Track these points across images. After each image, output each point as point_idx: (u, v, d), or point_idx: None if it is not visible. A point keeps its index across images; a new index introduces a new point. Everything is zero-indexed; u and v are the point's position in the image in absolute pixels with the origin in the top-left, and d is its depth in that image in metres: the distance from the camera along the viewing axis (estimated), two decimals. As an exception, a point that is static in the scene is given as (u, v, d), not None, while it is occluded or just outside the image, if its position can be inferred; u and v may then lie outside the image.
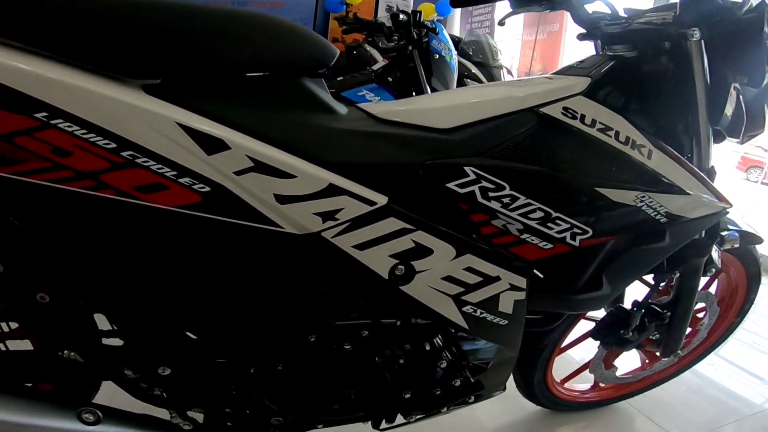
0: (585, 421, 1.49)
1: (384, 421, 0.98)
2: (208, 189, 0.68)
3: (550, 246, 0.88)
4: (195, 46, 0.67)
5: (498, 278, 0.88)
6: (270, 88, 0.73)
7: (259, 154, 0.69)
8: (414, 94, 2.35)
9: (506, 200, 0.83)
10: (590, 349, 1.41)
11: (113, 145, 0.64)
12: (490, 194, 0.82)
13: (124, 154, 0.64)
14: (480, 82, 3.32)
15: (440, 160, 0.80)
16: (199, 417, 0.89)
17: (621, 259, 0.98)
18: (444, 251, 0.82)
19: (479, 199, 0.82)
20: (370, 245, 0.78)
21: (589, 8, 1.03)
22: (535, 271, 0.96)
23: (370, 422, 0.97)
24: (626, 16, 1.03)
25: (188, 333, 0.80)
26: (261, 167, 0.69)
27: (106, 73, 0.64)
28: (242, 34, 0.70)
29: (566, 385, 1.47)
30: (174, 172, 0.66)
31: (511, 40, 4.95)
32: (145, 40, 0.64)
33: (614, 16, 1.03)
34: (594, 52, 1.05)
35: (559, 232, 0.88)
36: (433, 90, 2.32)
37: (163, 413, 0.87)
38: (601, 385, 1.50)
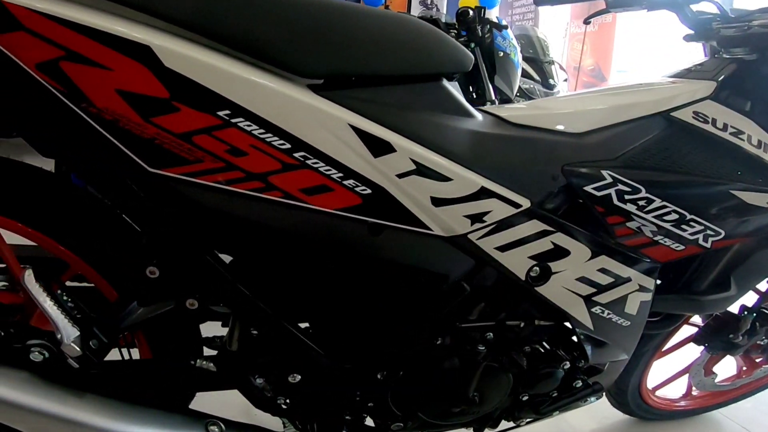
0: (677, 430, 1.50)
1: (488, 427, 1.02)
2: (369, 191, 0.72)
3: (681, 247, 0.91)
4: (354, 47, 0.70)
5: (629, 279, 0.91)
6: (419, 91, 0.76)
7: (421, 157, 0.73)
8: (475, 94, 2.37)
9: (642, 203, 0.86)
10: (681, 356, 1.43)
11: (288, 145, 0.68)
12: (626, 197, 0.85)
13: (297, 155, 0.68)
14: (532, 78, 3.34)
15: (578, 164, 0.83)
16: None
17: (751, 261, 1.00)
18: (581, 252, 0.86)
19: (615, 201, 0.85)
20: (511, 247, 0.82)
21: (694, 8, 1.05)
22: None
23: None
24: (734, 17, 1.04)
25: (322, 338, 0.84)
26: (422, 170, 0.73)
27: (276, 71, 0.67)
28: (396, 36, 0.73)
29: (657, 392, 1.48)
30: (340, 174, 0.70)
31: (556, 33, 4.96)
32: (319, 38, 0.67)
33: (725, 17, 1.05)
34: (696, 54, 1.08)
35: (692, 234, 0.90)
36: (496, 89, 2.34)
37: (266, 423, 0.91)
38: (695, 393, 1.51)
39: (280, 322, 0.80)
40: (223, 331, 0.87)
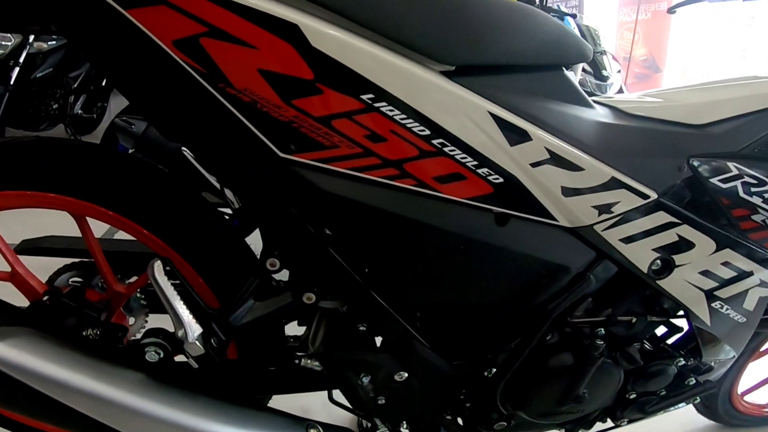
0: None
1: (582, 428, 1.02)
2: (501, 180, 0.72)
3: (807, 243, 0.90)
4: (487, 36, 0.70)
5: (751, 273, 0.90)
6: (546, 81, 0.76)
7: (555, 146, 0.73)
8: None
9: None
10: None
11: (427, 132, 0.68)
12: (752, 189, 0.85)
13: (435, 142, 0.69)
14: (583, 69, 3.28)
15: (702, 155, 0.83)
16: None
17: None
18: (705, 245, 0.85)
19: (741, 194, 0.85)
20: (635, 239, 0.82)
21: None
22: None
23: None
24: None
25: (433, 334, 0.84)
26: (555, 159, 0.73)
27: (412, 56, 0.67)
28: (524, 26, 0.73)
29: (746, 398, 1.47)
30: (475, 162, 0.71)
31: (604, 21, 4.89)
32: (457, 24, 0.67)
33: None
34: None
35: None
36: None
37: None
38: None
39: (395, 317, 0.80)
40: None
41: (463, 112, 0.68)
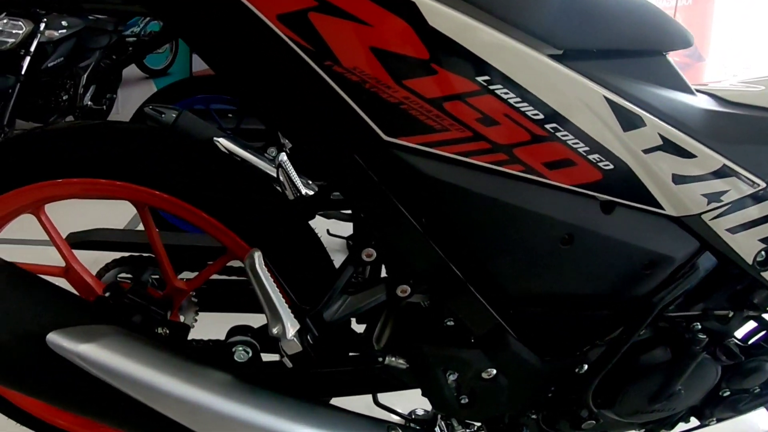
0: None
1: (664, 428, 1.00)
2: (611, 167, 0.71)
3: None
4: (598, 20, 0.70)
5: None
6: (651, 66, 0.75)
7: (668, 132, 0.72)
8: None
9: None
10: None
11: (541, 116, 0.67)
12: None
13: (548, 126, 0.67)
14: None
15: None
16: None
17: None
18: None
19: None
20: (742, 228, 0.80)
21: None
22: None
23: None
24: None
25: (525, 328, 0.83)
26: (668, 146, 0.72)
27: (523, 39, 0.65)
28: (632, 11, 0.73)
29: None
30: (587, 148, 0.69)
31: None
32: (570, 7, 0.67)
33: None
34: None
35: None
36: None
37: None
38: None
39: (490, 311, 0.79)
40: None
41: (579, 96, 0.67)
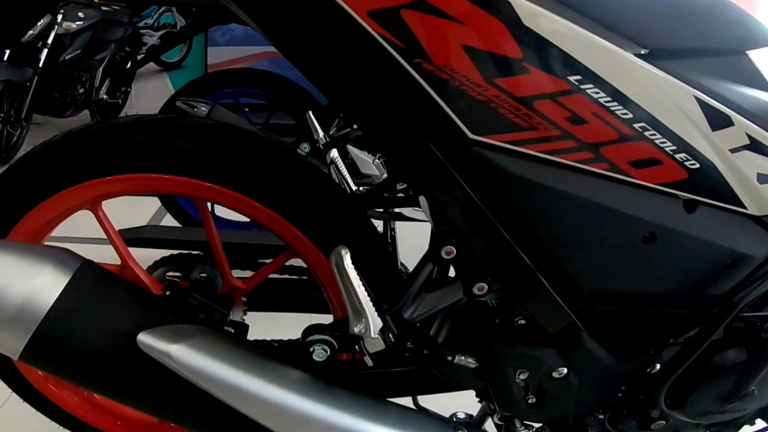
0: None
1: None
2: (697, 166, 0.71)
3: None
4: (684, 19, 0.72)
5: None
6: (733, 65, 0.76)
7: (755, 131, 0.72)
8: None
9: None
10: None
11: (630, 115, 0.67)
12: None
13: (636, 125, 0.68)
14: None
15: None
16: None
17: None
18: None
19: None
20: None
21: None
22: None
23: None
24: None
25: (598, 327, 0.83)
26: (755, 145, 0.72)
27: (610, 38, 0.66)
28: (715, 10, 0.74)
29: None
30: (674, 147, 0.70)
31: None
32: (659, 7, 0.69)
33: None
34: None
35: None
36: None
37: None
38: None
39: (565, 309, 0.80)
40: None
41: (669, 95, 0.67)
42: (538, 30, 0.62)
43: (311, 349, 0.76)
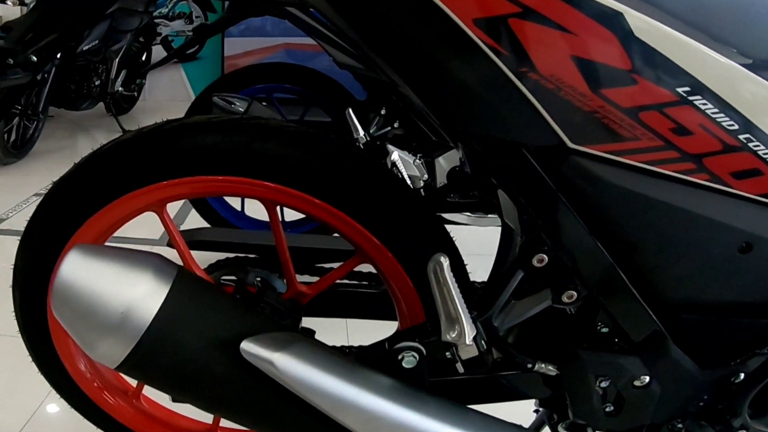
0: None
1: None
2: None
3: None
4: None
5: None
6: None
7: None
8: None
9: None
10: None
11: (736, 126, 0.67)
12: None
13: (741, 136, 0.68)
14: None
15: None
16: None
17: None
18: None
19: None
20: None
21: None
22: None
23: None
24: None
25: (683, 335, 0.84)
26: None
27: (717, 49, 0.67)
28: None
29: None
30: (778, 158, 0.71)
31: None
32: (758, 13, 0.69)
33: None
34: None
35: None
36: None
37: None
38: None
39: (652, 317, 0.81)
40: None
41: None
42: (649, 41, 0.63)
43: (400, 357, 0.77)
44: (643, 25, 0.62)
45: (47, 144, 3.57)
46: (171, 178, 0.82)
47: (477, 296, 0.86)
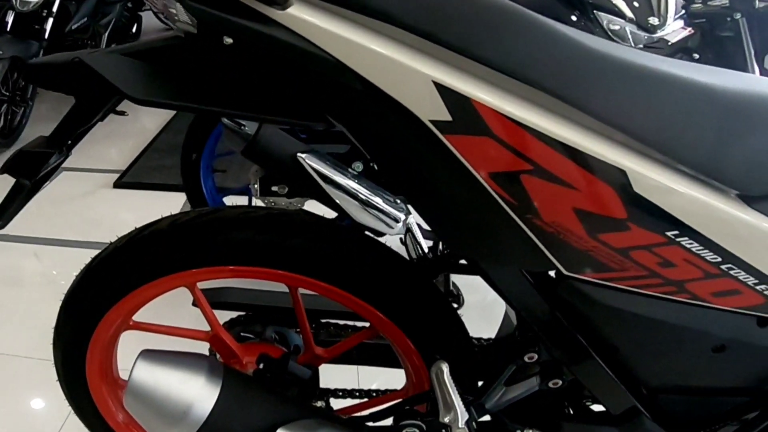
0: None
1: None
2: None
3: None
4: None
5: None
6: None
7: None
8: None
9: None
10: None
11: (719, 259, 0.77)
12: None
13: (723, 267, 0.78)
14: (622, 15, 2.93)
15: None
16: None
17: None
18: None
19: None
20: None
21: None
22: None
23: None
24: None
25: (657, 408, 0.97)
26: None
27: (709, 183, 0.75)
28: None
29: None
30: (756, 281, 0.80)
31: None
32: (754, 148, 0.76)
33: None
34: None
35: None
36: (765, 72, 2.16)
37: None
38: None
39: (631, 398, 0.93)
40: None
41: (759, 241, 0.77)
42: (646, 195, 0.72)
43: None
44: (643, 180, 0.71)
45: (37, 129, 3.55)
46: (203, 266, 0.93)
47: (475, 353, 0.98)
